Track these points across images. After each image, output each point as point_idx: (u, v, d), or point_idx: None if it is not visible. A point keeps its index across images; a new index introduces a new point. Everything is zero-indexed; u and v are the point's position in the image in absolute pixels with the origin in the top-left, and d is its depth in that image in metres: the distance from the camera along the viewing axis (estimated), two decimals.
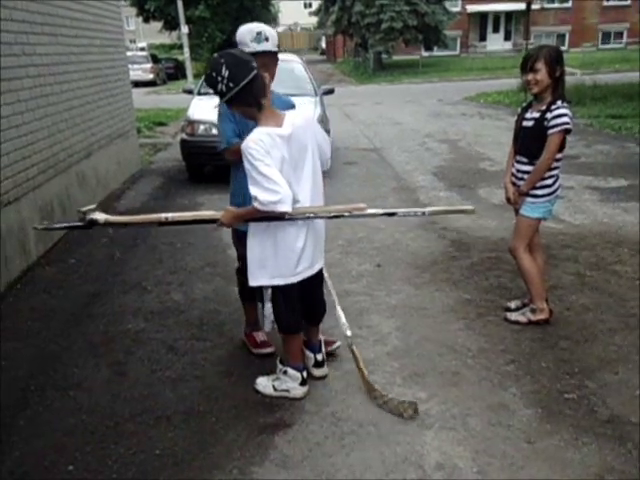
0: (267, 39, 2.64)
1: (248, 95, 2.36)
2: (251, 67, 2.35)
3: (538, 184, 3.23)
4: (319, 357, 2.93)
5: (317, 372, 2.92)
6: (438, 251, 4.69)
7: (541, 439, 2.44)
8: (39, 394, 2.89)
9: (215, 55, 2.45)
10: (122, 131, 7.67)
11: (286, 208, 2.35)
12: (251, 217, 2.49)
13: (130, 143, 8.13)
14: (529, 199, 3.28)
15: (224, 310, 3.74)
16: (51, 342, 3.42)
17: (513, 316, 3.46)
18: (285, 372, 2.79)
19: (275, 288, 2.64)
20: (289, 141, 2.41)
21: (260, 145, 2.32)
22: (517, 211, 3.40)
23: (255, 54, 2.53)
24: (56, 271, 4.53)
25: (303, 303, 2.76)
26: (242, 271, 2.85)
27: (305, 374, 2.81)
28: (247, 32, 2.64)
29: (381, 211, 2.83)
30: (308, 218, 2.55)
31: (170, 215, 2.62)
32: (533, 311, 3.40)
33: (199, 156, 7.24)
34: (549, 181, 3.24)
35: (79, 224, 2.61)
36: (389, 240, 4.98)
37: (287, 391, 2.78)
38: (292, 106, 2.86)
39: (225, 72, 2.32)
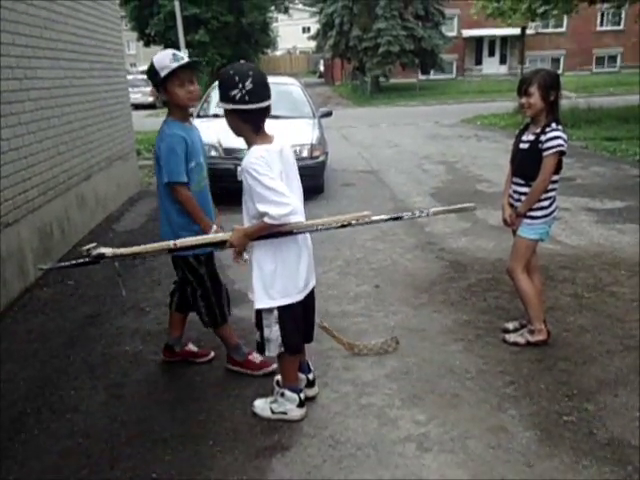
0: (183, 57, 2.83)
1: (255, 117, 2.42)
2: (269, 95, 2.44)
3: (535, 205, 3.25)
4: (310, 376, 2.94)
5: (310, 392, 2.91)
6: (436, 272, 4.70)
7: (541, 462, 2.42)
8: (35, 417, 2.87)
9: (244, 62, 2.55)
10: (122, 153, 7.72)
11: (299, 218, 2.43)
12: (261, 233, 2.46)
13: (130, 165, 8.17)
14: (526, 220, 3.30)
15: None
16: (48, 364, 3.40)
17: (511, 337, 3.46)
18: (282, 394, 2.78)
19: (282, 309, 2.60)
20: (281, 156, 2.47)
21: (262, 160, 2.36)
22: (515, 232, 3.42)
23: (176, 70, 2.77)
24: (54, 292, 4.53)
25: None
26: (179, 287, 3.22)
27: (303, 396, 2.80)
28: (164, 56, 2.82)
29: (386, 217, 2.87)
30: (316, 230, 2.58)
31: (179, 241, 2.66)
32: (531, 332, 3.40)
33: None
34: (546, 203, 3.26)
35: (85, 260, 2.59)
36: (387, 261, 4.99)
37: (285, 413, 2.76)
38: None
39: (249, 85, 2.34)
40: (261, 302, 2.60)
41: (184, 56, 2.88)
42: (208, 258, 3.06)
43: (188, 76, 2.85)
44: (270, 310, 2.61)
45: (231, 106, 2.39)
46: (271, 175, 2.35)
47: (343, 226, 2.69)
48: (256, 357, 3.19)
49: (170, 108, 2.94)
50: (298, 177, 2.63)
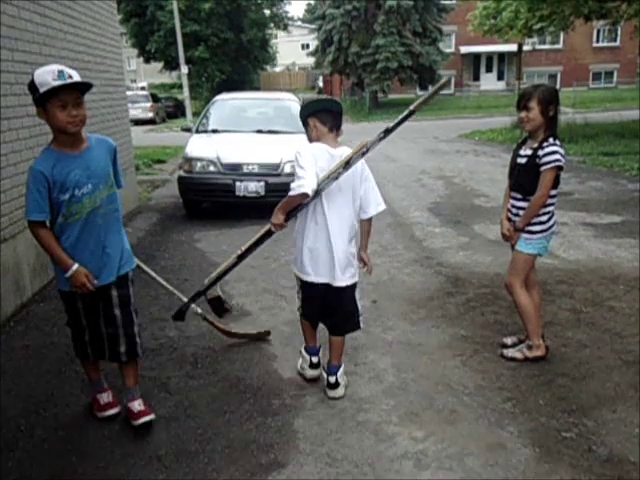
0: (71, 76, 2.49)
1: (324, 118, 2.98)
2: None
3: (533, 220, 3.25)
4: (331, 379, 3.08)
5: (309, 373, 3.25)
6: (434, 287, 4.69)
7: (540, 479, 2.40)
8: (29, 434, 2.84)
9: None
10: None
11: (305, 190, 2.79)
12: (287, 206, 2.93)
13: (128, 180, 8.17)
14: (525, 235, 3.30)
15: (218, 347, 3.71)
16: (43, 380, 3.37)
17: (509, 352, 3.44)
18: (301, 352, 3.31)
19: (297, 278, 3.15)
20: (334, 159, 2.91)
21: (307, 150, 2.94)
22: (513, 247, 3.42)
23: (58, 90, 2.45)
24: (50, 308, 4.50)
25: (324, 311, 3.11)
26: (73, 325, 2.89)
27: (315, 359, 3.22)
28: (47, 72, 2.47)
29: (378, 136, 3.01)
30: (333, 178, 2.86)
31: (243, 248, 3.20)
32: (529, 347, 3.38)
33: (196, 192, 7.31)
34: (544, 217, 3.26)
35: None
36: (385, 276, 4.98)
37: (303, 370, 3.28)
38: (106, 142, 2.80)
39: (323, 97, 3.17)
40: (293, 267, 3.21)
41: (73, 74, 2.49)
42: (85, 295, 2.72)
43: (74, 98, 2.51)
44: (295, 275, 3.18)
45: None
46: (306, 158, 2.87)
47: (348, 164, 2.87)
48: (105, 397, 2.96)
49: (52, 131, 2.60)
50: (349, 192, 2.98)
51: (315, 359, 3.25)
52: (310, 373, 3.25)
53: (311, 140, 3.04)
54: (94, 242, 2.70)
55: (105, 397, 2.98)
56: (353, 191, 2.98)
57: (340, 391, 3.08)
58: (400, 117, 2.99)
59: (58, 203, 2.58)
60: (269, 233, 3.08)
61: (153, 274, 3.45)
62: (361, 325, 3.18)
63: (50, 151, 2.61)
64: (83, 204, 2.62)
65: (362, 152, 2.87)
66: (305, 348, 3.29)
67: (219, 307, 3.63)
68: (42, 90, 2.44)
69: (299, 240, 3.06)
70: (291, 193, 2.83)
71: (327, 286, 3.02)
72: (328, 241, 2.96)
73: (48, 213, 2.59)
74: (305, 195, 2.81)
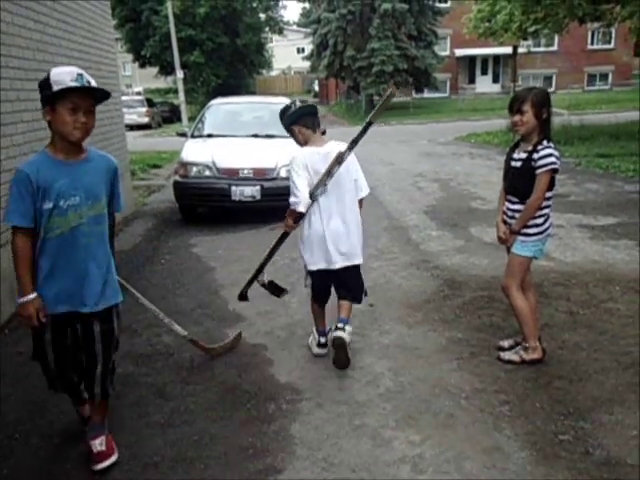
0: (89, 82, 2.41)
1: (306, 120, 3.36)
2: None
3: (529, 223, 3.25)
4: (339, 325, 3.39)
5: (336, 333, 3.36)
6: (430, 290, 4.68)
7: None
8: (24, 442, 2.82)
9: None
10: None
11: (299, 209, 3.25)
12: (290, 216, 3.32)
13: (124, 185, 8.15)
14: (520, 238, 3.30)
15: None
16: (38, 387, 3.33)
17: (506, 355, 3.43)
18: (312, 330, 3.69)
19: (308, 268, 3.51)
20: (326, 157, 3.26)
21: (299, 159, 3.30)
22: (509, 250, 3.42)
23: (74, 92, 2.34)
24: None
25: (338, 286, 3.54)
26: (39, 356, 2.63)
27: (323, 340, 3.56)
28: (67, 72, 2.39)
29: (348, 147, 3.30)
30: (328, 178, 3.23)
31: (267, 251, 3.55)
32: (526, 350, 3.38)
33: (192, 197, 7.30)
34: (540, 220, 3.26)
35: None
36: (381, 279, 4.97)
37: (312, 346, 3.65)
38: (108, 160, 2.67)
39: (298, 102, 3.44)
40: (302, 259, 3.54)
41: (92, 81, 2.41)
42: (58, 325, 2.54)
43: (87, 105, 2.40)
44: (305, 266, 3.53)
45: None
46: (299, 172, 3.27)
47: (340, 162, 3.22)
48: (96, 444, 2.63)
49: (52, 134, 2.47)
50: (344, 180, 3.35)
51: (323, 339, 3.58)
52: (316, 350, 3.60)
53: (300, 144, 3.40)
54: (74, 263, 2.47)
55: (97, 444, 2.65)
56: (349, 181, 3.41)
57: (345, 335, 3.35)
58: (361, 130, 3.27)
59: (41, 212, 2.39)
60: (286, 234, 3.47)
61: (148, 303, 3.35)
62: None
63: (43, 154, 2.48)
64: (67, 217, 2.42)
65: (338, 162, 3.22)
66: (315, 328, 3.66)
67: (275, 289, 3.75)
68: (56, 88, 2.32)
69: (304, 230, 3.41)
70: (290, 207, 3.28)
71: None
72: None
73: (32, 220, 2.39)
74: (300, 213, 3.28)
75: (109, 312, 2.65)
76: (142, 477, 2.53)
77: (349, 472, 2.50)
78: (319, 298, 3.61)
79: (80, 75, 2.37)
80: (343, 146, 3.32)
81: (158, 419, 2.97)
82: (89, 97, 2.43)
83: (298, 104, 3.39)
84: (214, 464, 2.59)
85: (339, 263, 3.39)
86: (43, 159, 2.47)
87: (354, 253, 3.43)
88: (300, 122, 3.34)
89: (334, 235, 3.35)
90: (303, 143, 3.37)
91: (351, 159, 3.35)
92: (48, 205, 2.39)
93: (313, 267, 3.43)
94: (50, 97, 2.35)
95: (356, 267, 3.49)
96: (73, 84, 2.34)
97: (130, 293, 3.16)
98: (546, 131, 3.21)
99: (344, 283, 3.50)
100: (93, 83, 2.42)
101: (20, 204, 2.38)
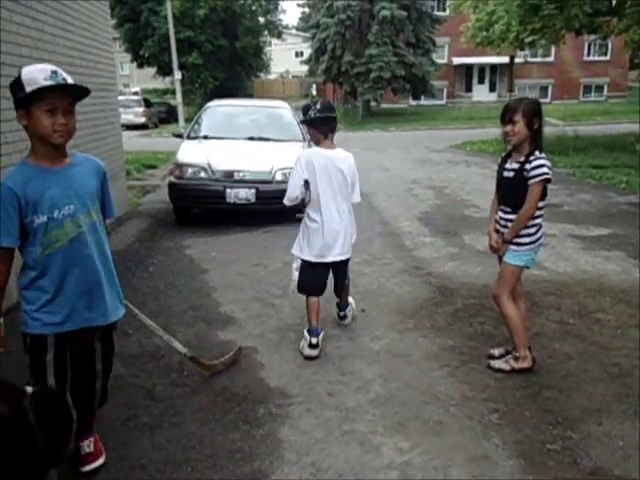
0: (65, 79, 2.18)
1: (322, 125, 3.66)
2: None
3: (521, 232, 3.27)
4: (341, 314, 4.05)
5: (341, 322, 4.06)
6: (422, 297, 4.69)
7: None
8: None
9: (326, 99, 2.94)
10: (111, 173, 7.63)
11: (285, 202, 3.68)
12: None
13: (118, 185, 8.14)
14: (512, 247, 3.31)
15: (206, 355, 3.68)
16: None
17: (496, 364, 3.44)
18: (304, 333, 3.70)
19: (302, 260, 3.74)
20: (330, 160, 3.61)
21: (302, 160, 3.62)
22: (501, 258, 3.43)
23: (48, 91, 2.14)
24: None
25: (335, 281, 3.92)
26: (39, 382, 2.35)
27: (314, 340, 3.59)
28: (38, 70, 2.18)
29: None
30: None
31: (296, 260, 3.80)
32: (516, 359, 3.39)
33: (186, 199, 7.29)
34: (532, 230, 3.28)
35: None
36: (374, 285, 4.98)
37: (303, 349, 3.65)
38: (94, 162, 2.48)
39: (319, 106, 3.66)
40: (294, 250, 3.80)
41: (68, 78, 2.19)
42: (60, 341, 2.36)
43: (65, 105, 2.20)
44: (297, 258, 3.78)
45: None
46: (298, 171, 3.59)
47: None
48: (84, 445, 2.58)
49: (31, 141, 2.26)
50: (341, 182, 3.66)
51: (314, 340, 3.62)
52: (307, 352, 3.62)
53: (314, 140, 3.75)
54: (82, 278, 2.32)
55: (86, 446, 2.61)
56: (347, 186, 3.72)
57: (349, 320, 4.09)
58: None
59: (33, 229, 2.20)
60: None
61: (147, 320, 3.27)
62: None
63: (25, 165, 2.27)
64: (64, 228, 2.25)
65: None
66: (307, 329, 3.71)
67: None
68: (29, 89, 2.10)
69: (309, 232, 3.71)
70: (284, 202, 3.71)
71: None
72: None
73: (17, 240, 2.20)
74: (285, 206, 3.74)
75: (111, 327, 2.55)
76: (129, 479, 2.51)
77: (337, 477, 2.50)
78: (315, 289, 3.75)
79: (54, 72, 2.15)
80: (349, 155, 3.73)
81: (147, 421, 2.96)
82: (66, 96, 2.22)
83: (318, 107, 3.65)
84: (202, 467, 2.58)
85: (337, 256, 3.73)
86: (26, 170, 2.25)
87: (349, 248, 3.80)
88: (314, 125, 3.68)
89: (334, 230, 3.66)
90: (315, 142, 3.72)
91: (352, 165, 3.70)
92: (41, 219, 2.21)
93: (313, 259, 3.69)
94: (24, 99, 2.14)
95: (347, 261, 3.89)
96: (47, 83, 2.12)
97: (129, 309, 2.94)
98: (537, 141, 3.23)
99: (335, 275, 3.90)
100: (70, 80, 2.20)
101: (7, 222, 2.16)
